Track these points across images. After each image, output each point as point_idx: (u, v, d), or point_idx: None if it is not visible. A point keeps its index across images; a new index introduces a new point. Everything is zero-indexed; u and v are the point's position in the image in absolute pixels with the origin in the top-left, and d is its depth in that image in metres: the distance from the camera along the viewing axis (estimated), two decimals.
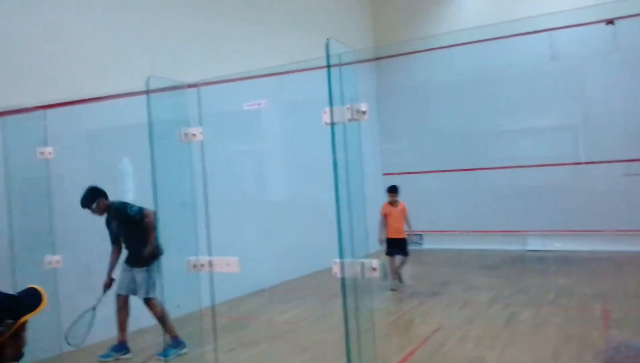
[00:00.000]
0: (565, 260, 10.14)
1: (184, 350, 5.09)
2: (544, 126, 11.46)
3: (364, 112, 2.41)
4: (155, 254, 5.01)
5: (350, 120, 2.42)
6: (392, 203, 8.03)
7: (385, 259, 7.90)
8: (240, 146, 9.00)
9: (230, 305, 7.03)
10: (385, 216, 7.99)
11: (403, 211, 8.08)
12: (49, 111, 3.77)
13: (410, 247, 13.01)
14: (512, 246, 11.69)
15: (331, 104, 2.38)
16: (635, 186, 10.19)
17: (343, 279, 2.45)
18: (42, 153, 3.65)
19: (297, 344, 5.58)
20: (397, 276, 8.02)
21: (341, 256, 2.43)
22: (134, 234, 5.19)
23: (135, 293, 5.27)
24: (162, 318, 5.14)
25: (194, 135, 3.04)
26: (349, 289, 2.50)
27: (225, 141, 8.29)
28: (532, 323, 5.89)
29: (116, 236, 5.34)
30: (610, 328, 5.54)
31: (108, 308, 5.16)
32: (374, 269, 2.52)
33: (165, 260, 3.42)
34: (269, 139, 9.63)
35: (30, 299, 1.83)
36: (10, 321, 1.69)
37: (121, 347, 5.25)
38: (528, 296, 7.33)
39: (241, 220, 7.70)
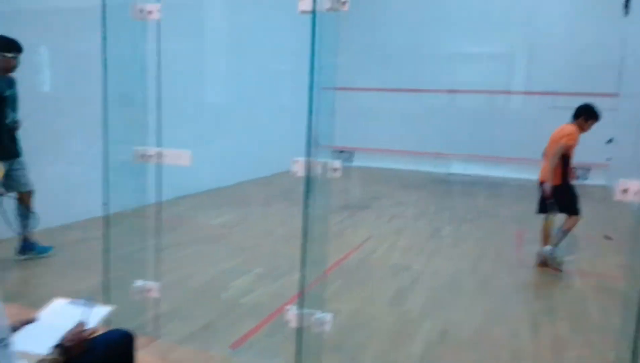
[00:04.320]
0: (484, 184, 10.77)
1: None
2: (485, 52, 11.67)
3: (344, 3, 2.28)
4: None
5: (329, 10, 2.29)
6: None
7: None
8: (202, 35, 8.45)
9: (162, 206, 6.91)
10: (569, 150, 5.06)
11: None
12: None
13: (345, 164, 13.38)
14: (437, 168, 12.22)
15: None
16: (560, 119, 10.78)
17: (307, 178, 2.43)
18: None
19: (232, 246, 5.64)
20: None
21: (308, 154, 2.40)
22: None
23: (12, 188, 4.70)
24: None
25: (150, 12, 2.78)
26: (311, 189, 2.50)
27: (186, 27, 7.76)
28: (453, 238, 6.30)
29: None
30: (522, 246, 6.04)
31: None
32: (336, 170, 2.52)
33: (111, 151, 3.25)
34: (235, 29, 9.08)
35: None
36: None
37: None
38: (450, 214, 7.77)
39: (192, 117, 7.41)
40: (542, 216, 5.27)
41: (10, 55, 4.43)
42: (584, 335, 3.63)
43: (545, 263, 5.14)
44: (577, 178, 5.23)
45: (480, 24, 11.42)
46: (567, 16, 10.96)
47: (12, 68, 4.50)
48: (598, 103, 5.19)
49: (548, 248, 5.12)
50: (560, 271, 5.05)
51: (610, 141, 10.26)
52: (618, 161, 9.91)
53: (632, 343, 2.23)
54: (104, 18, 2.70)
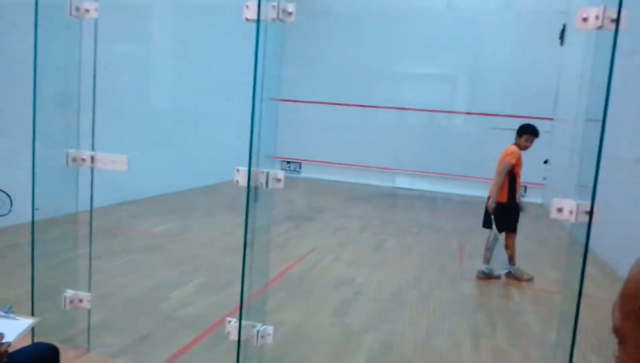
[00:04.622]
0: (429, 199, 10.99)
1: None
2: (431, 73, 11.97)
3: (290, 14, 2.25)
4: None
5: (274, 20, 2.26)
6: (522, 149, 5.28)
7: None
8: (149, 40, 8.19)
9: (99, 211, 6.61)
10: (514, 168, 5.20)
11: None
12: None
13: (288, 174, 13.32)
14: (382, 182, 12.38)
15: None
16: (499, 139, 11.18)
17: (248, 188, 2.37)
18: None
19: (172, 256, 5.46)
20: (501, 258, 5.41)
21: (250, 164, 2.34)
22: None
23: None
24: None
25: (87, 10, 2.65)
26: (251, 199, 2.44)
27: (132, 31, 7.51)
28: (397, 251, 6.36)
29: None
30: (464, 259, 6.17)
31: None
32: (279, 180, 2.47)
33: (40, 153, 3.05)
34: (183, 35, 8.87)
35: None
36: None
37: None
38: (394, 227, 7.86)
39: (137, 121, 7.15)
40: (487, 230, 5.41)
41: None
42: (523, 348, 3.72)
43: (486, 277, 5.30)
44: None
45: (427, 46, 11.73)
46: (508, 43, 11.43)
47: None
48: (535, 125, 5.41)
49: (511, 268, 5.36)
50: (529, 280, 5.29)
51: (546, 161, 10.73)
52: (553, 180, 10.36)
53: (568, 357, 2.28)
54: (36, 14, 2.55)
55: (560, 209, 2.32)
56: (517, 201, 5.31)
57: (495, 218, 5.26)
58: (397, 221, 8.36)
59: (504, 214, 5.27)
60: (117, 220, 6.78)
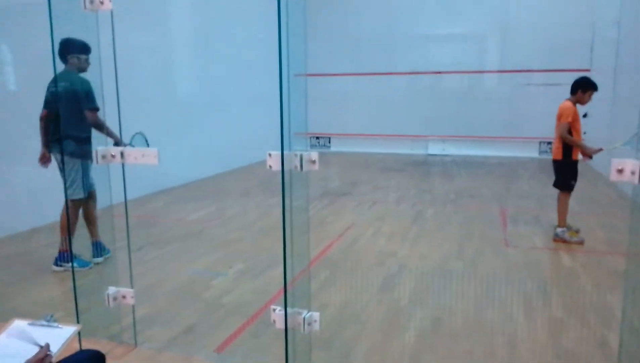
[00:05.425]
0: (463, 164, 10.72)
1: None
2: (458, 33, 11.56)
3: None
4: None
5: None
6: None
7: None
8: (168, 28, 8.12)
9: (135, 203, 6.65)
10: (572, 125, 5.04)
11: None
12: None
13: (318, 149, 13.21)
14: (415, 150, 12.15)
15: None
16: (533, 96, 10.78)
17: (282, 173, 2.25)
18: None
19: (210, 242, 5.44)
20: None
21: (282, 147, 2.21)
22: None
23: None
24: None
25: (102, 2, 2.55)
26: (286, 183, 2.33)
27: (151, 20, 7.44)
28: (437, 221, 6.20)
29: None
30: (507, 225, 5.97)
31: None
32: (313, 162, 2.35)
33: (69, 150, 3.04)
34: (202, 19, 8.77)
35: None
36: None
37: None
38: (431, 196, 7.68)
39: (153, 111, 7.12)
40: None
41: (84, 56, 4.32)
42: (580, 314, 3.55)
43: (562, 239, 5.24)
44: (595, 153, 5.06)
45: (451, 5, 11.30)
46: None
47: (86, 68, 4.36)
48: (571, 78, 5.20)
49: (558, 230, 5.27)
50: (579, 243, 5.15)
51: (585, 115, 10.29)
52: (593, 135, 9.93)
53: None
54: (50, 10, 2.46)
55: (620, 171, 2.12)
56: (585, 153, 5.12)
57: (556, 175, 5.30)
58: (433, 190, 8.16)
59: (559, 171, 5.27)
60: (152, 210, 6.81)
